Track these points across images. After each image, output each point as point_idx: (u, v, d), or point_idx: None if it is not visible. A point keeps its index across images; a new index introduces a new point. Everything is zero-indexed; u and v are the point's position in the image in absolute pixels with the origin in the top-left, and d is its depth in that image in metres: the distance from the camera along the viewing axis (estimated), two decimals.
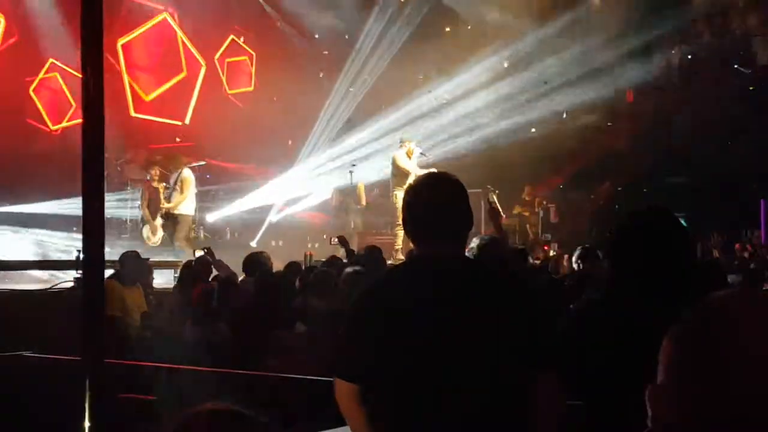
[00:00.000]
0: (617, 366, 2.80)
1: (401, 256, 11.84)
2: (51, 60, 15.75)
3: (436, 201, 2.91)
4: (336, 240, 9.53)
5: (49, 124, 16.07)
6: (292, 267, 8.36)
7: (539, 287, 5.63)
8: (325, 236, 9.09)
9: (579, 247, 7.54)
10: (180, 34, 16.68)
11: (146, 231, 14.12)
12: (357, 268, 6.49)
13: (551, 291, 6.01)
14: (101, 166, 2.62)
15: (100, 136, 2.57)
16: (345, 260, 8.37)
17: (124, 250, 8.86)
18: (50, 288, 9.43)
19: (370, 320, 2.84)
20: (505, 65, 17.19)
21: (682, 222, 3.10)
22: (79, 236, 2.77)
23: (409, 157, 13.07)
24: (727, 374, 1.31)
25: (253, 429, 1.71)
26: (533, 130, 17.15)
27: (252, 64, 18.11)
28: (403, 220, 3.00)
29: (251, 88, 18.15)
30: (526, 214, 15.68)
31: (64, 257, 12.08)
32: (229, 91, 17.94)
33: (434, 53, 17.39)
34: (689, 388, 1.35)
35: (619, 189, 16.73)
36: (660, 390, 1.41)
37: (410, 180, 14.28)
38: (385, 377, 2.78)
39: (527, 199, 16.01)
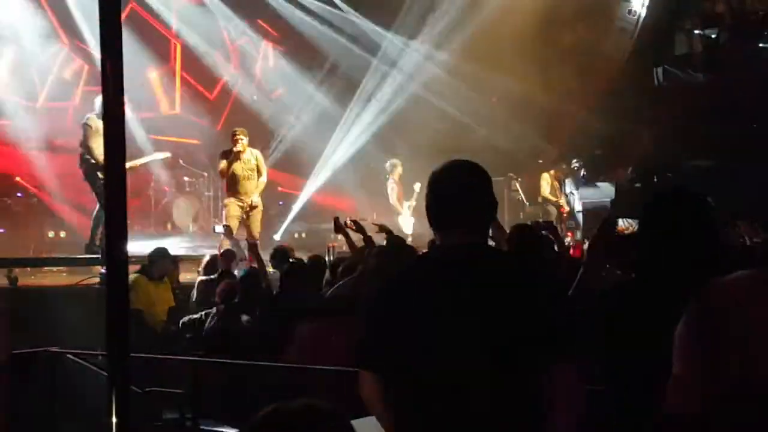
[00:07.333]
0: (647, 352, 2.79)
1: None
2: None
3: (456, 189, 2.89)
4: (350, 222, 8.07)
5: None
6: (317, 260, 8.37)
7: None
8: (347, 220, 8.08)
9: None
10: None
11: (402, 220, 14.43)
12: (375, 260, 6.45)
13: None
14: (123, 163, 2.64)
15: (122, 133, 2.58)
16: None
17: None
18: (77, 283, 9.52)
19: (391, 311, 2.84)
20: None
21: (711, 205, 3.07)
22: None
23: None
24: (734, 353, 1.31)
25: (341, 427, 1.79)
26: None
27: None
28: (426, 208, 2.98)
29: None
30: (553, 199, 15.46)
31: None
32: None
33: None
34: (699, 367, 1.35)
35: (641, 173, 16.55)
36: (675, 378, 1.41)
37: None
38: (406, 368, 2.78)
39: (555, 184, 15.74)
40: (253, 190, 11.24)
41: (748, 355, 1.32)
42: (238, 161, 11.13)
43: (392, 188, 14.65)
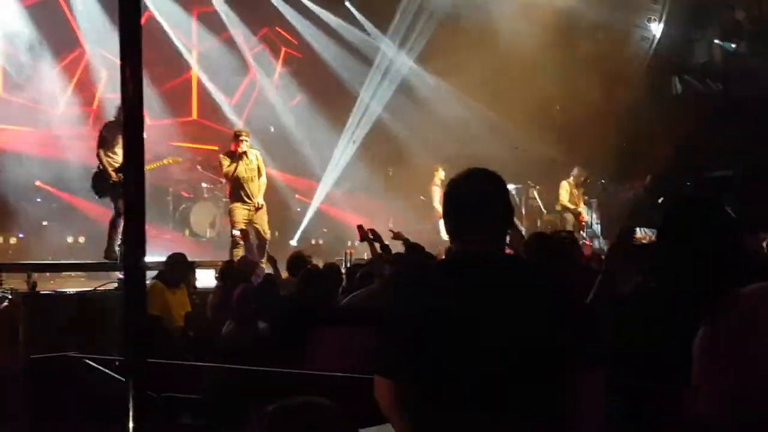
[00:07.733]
0: (656, 357, 2.79)
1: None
2: None
3: (472, 196, 2.91)
4: (368, 231, 7.92)
5: None
6: (333, 266, 8.37)
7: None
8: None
9: None
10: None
11: (441, 224, 14.48)
12: (391, 270, 6.46)
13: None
14: (141, 169, 2.64)
15: (140, 138, 2.60)
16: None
17: None
18: (95, 289, 9.56)
19: (409, 318, 2.84)
20: None
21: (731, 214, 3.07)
22: None
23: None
24: (753, 363, 1.30)
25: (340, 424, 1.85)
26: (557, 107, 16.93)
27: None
28: (443, 215, 3.01)
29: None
30: (572, 206, 15.35)
31: None
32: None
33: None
34: (718, 377, 1.34)
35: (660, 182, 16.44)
36: (694, 387, 1.41)
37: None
38: (424, 375, 2.78)
39: (575, 192, 15.64)
40: (257, 192, 11.25)
41: (748, 356, 1.32)
42: (242, 162, 11.16)
43: (435, 191, 14.77)
